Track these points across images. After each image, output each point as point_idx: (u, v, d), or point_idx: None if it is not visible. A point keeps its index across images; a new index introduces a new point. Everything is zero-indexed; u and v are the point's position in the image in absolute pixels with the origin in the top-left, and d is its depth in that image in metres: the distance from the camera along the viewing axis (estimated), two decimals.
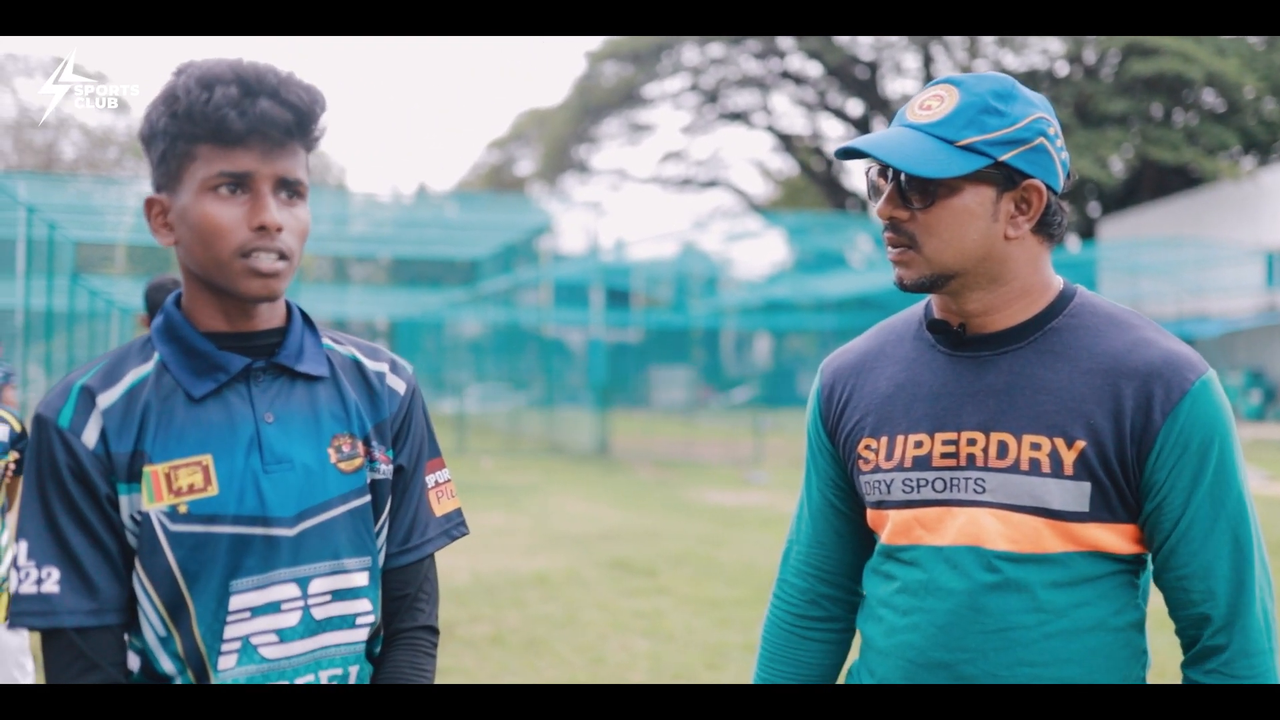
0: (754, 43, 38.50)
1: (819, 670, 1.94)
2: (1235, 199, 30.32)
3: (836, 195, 41.83)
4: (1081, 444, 1.58)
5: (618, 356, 31.11)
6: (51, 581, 1.43)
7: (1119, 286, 28.28)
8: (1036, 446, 1.60)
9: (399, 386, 1.66)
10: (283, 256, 1.46)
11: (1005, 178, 1.59)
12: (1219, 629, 1.58)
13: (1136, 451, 1.57)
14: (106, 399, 1.47)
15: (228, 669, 1.47)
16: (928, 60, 38.00)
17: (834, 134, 43.38)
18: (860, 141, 1.61)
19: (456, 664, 5.93)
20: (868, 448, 1.76)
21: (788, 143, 43.29)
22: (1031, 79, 35.53)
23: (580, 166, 45.52)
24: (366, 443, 1.59)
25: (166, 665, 1.48)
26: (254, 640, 1.49)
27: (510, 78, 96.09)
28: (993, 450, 1.63)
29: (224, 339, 1.52)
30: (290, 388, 1.55)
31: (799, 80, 41.22)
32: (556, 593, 7.95)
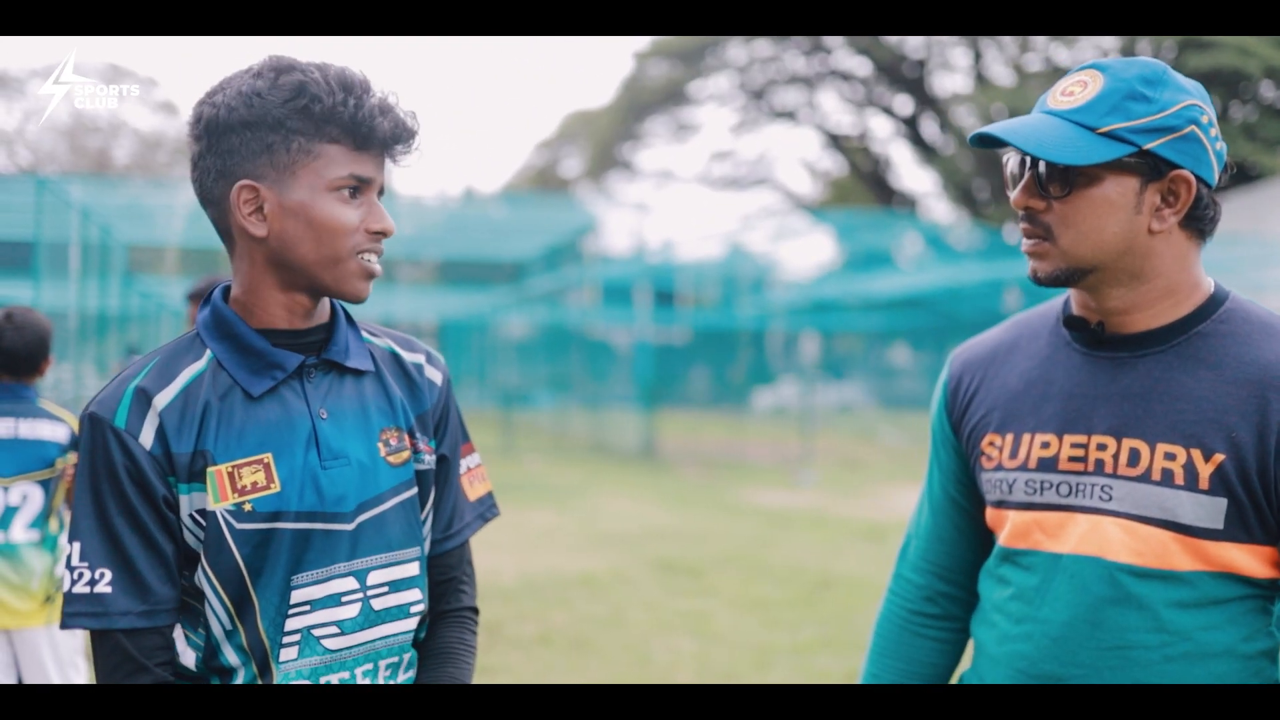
0: (801, 40, 38.31)
1: (931, 670, 1.87)
2: None
3: (884, 194, 41.52)
4: (1220, 457, 1.49)
5: (664, 357, 31.06)
6: (104, 583, 1.44)
7: None
8: (1171, 456, 1.51)
9: (436, 377, 1.69)
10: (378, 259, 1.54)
11: (1151, 167, 1.50)
12: None
13: None
14: (163, 399, 1.48)
15: (289, 660, 1.50)
16: (978, 57, 37.62)
17: (882, 132, 43.10)
18: (994, 127, 1.54)
19: (503, 663, 5.93)
20: (991, 444, 1.69)
21: (835, 141, 43.02)
22: None
23: (626, 166, 45.54)
24: (411, 435, 1.62)
25: (231, 658, 1.50)
26: (315, 632, 1.51)
27: (557, 80, 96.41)
28: (1124, 457, 1.55)
29: (276, 336, 1.53)
30: (340, 383, 1.57)
31: (847, 78, 40.95)
32: (603, 593, 7.94)
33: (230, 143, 1.46)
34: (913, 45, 38.04)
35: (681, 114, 43.06)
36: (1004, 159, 1.62)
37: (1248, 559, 1.51)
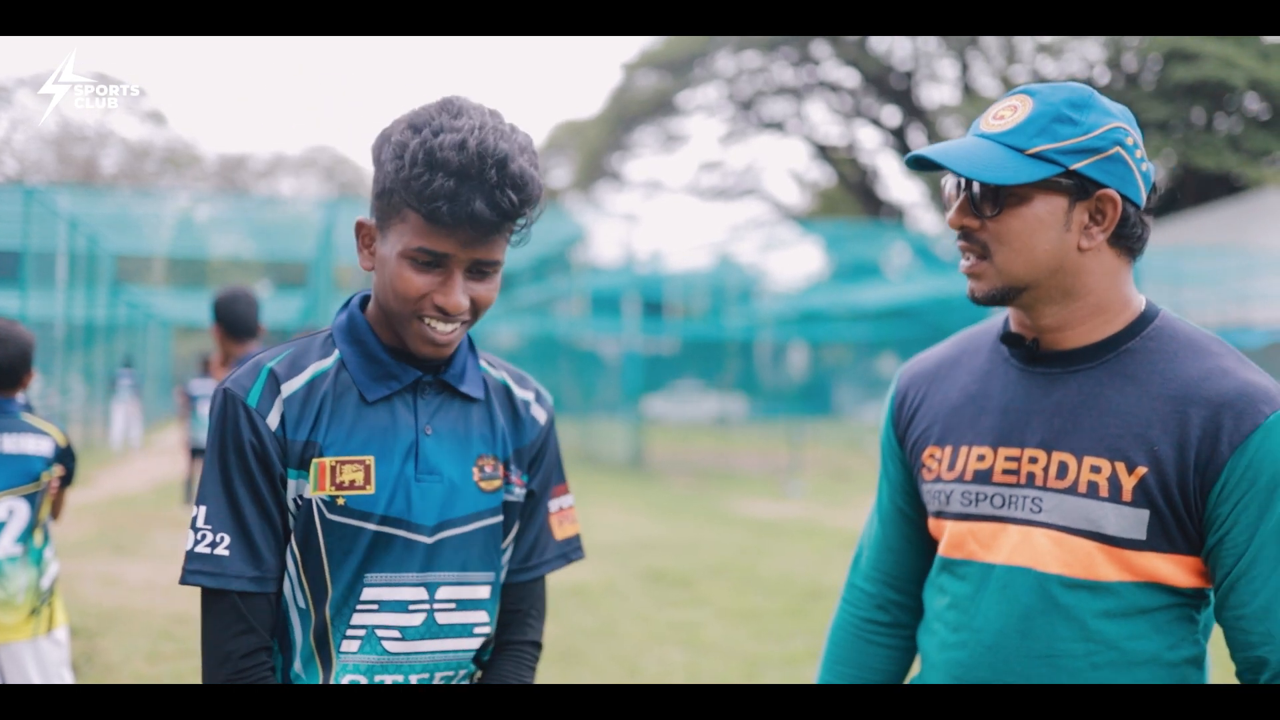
0: (789, 51, 38.44)
1: (881, 676, 1.93)
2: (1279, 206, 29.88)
3: (872, 205, 41.64)
4: (1143, 470, 1.53)
5: (652, 368, 31.05)
6: (223, 546, 1.54)
7: (1160, 295, 27.89)
8: (1096, 469, 1.56)
9: (540, 416, 1.78)
10: (458, 327, 1.57)
11: (1078, 187, 1.56)
12: (1277, 674, 1.49)
13: (1200, 483, 1.51)
14: (290, 387, 1.59)
15: (350, 653, 1.58)
16: (965, 68, 37.79)
17: (870, 143, 43.27)
18: (928, 150, 1.60)
19: None
20: (932, 456, 1.75)
21: (824, 152, 43.16)
22: None
23: (615, 177, 45.61)
24: (506, 466, 1.71)
25: (298, 637, 1.59)
26: (379, 632, 1.59)
27: (546, 90, 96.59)
28: (1053, 469, 1.60)
29: (399, 352, 1.64)
30: (449, 405, 1.66)
31: (835, 89, 41.11)
32: (593, 603, 7.92)
33: (374, 175, 1.57)
34: (900, 57, 38.20)
35: (670, 125, 43.19)
36: (942, 182, 1.68)
37: (1172, 569, 1.55)
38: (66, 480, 3.72)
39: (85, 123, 33.71)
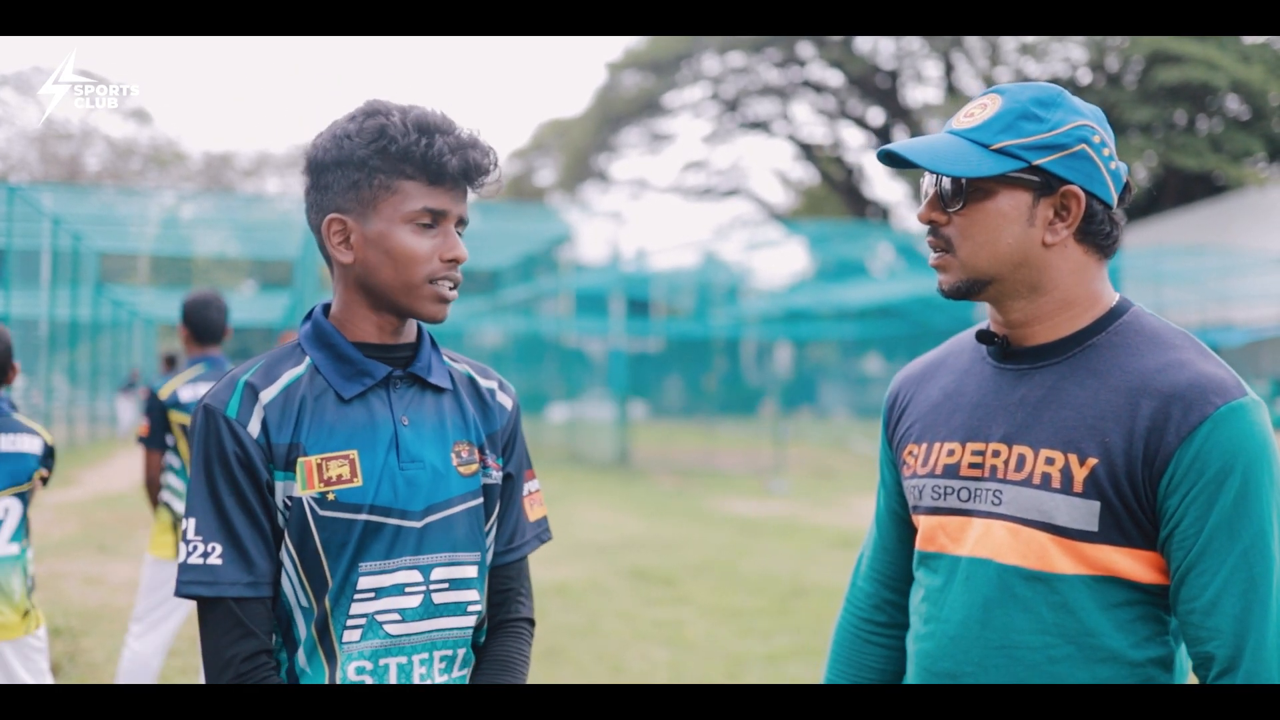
0: (774, 51, 38.48)
1: (879, 675, 1.95)
2: (1260, 206, 30.07)
3: (857, 204, 41.73)
4: (1093, 461, 1.55)
5: (638, 366, 31.07)
6: (215, 556, 1.61)
7: (1142, 295, 28.02)
8: (1050, 461, 1.58)
9: (507, 402, 1.87)
10: (456, 285, 1.70)
11: (1043, 183, 1.58)
12: (1224, 671, 1.48)
13: (1149, 474, 1.52)
14: (268, 394, 1.66)
15: (353, 642, 1.65)
16: (949, 68, 37.90)
17: (855, 143, 43.36)
18: (896, 145, 1.63)
19: None
20: (910, 453, 1.78)
21: (808, 152, 43.22)
22: None
23: (600, 176, 45.59)
24: (481, 450, 1.79)
25: (302, 632, 1.65)
26: (379, 618, 1.66)
27: (531, 89, 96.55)
28: (1012, 463, 1.62)
29: (368, 349, 1.72)
30: (421, 396, 1.75)
31: (819, 89, 41.17)
32: (577, 602, 7.93)
33: (326, 180, 1.66)
34: (884, 57, 38.28)
35: (655, 124, 43.19)
36: (921, 180, 1.70)
37: (1129, 562, 1.56)
38: (44, 480, 3.71)
39: (69, 120, 33.54)
